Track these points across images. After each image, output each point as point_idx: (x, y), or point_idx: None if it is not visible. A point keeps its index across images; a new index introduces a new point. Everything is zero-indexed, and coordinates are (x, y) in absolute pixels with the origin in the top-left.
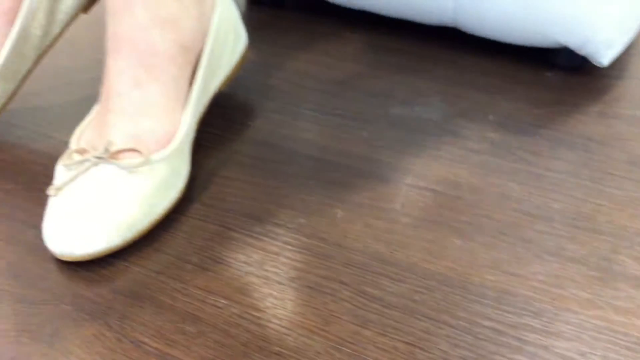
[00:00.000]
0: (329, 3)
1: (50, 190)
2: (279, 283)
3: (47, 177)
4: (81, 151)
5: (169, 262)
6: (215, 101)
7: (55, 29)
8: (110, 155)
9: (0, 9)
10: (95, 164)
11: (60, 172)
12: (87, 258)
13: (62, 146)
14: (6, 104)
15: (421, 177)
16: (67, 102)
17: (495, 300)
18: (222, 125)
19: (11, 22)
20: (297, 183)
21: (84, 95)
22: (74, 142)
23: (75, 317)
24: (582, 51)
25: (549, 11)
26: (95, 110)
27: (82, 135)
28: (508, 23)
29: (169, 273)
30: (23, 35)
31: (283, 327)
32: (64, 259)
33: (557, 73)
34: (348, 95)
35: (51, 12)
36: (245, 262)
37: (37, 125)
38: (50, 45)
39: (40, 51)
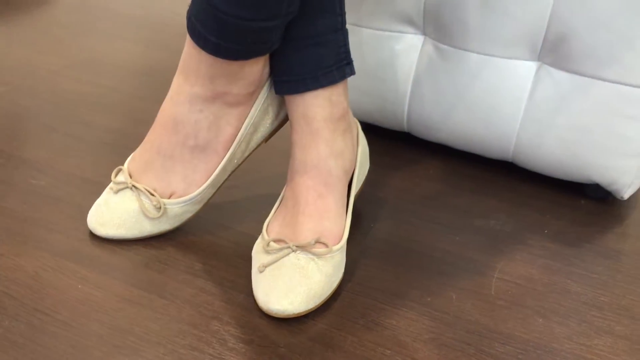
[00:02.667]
0: (410, 134)
1: (260, 267)
2: (424, 341)
3: (237, 258)
4: (277, 241)
5: (342, 322)
6: None
7: (247, 153)
8: (307, 246)
9: (222, 139)
10: (294, 251)
11: (259, 254)
12: (290, 316)
13: (239, 235)
14: (207, 203)
15: (505, 273)
16: (232, 201)
17: None
18: (354, 225)
19: (226, 149)
20: (418, 271)
21: (243, 196)
22: (266, 233)
23: (290, 357)
24: (610, 188)
25: (589, 158)
26: (277, 211)
27: (269, 228)
28: (556, 164)
29: (345, 329)
30: (231, 157)
31: None
32: (276, 316)
33: (589, 201)
34: (439, 208)
35: (248, 142)
36: (396, 325)
37: (216, 218)
38: (240, 165)
39: (235, 168)
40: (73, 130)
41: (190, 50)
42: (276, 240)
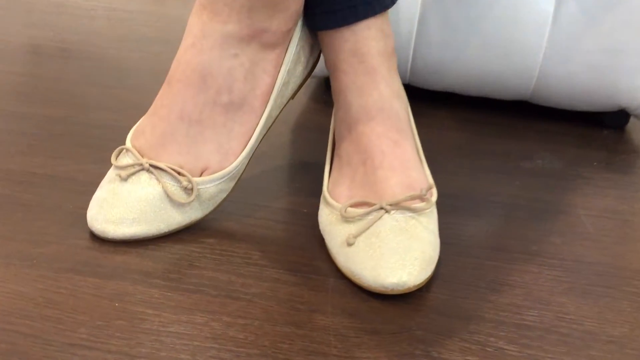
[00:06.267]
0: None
1: (349, 240)
2: (562, 293)
3: (295, 238)
4: (357, 205)
5: (463, 289)
6: None
7: (276, 112)
8: (396, 204)
9: (260, 91)
10: (388, 211)
11: (336, 225)
12: (409, 290)
13: (281, 212)
14: (240, 179)
15: (587, 209)
16: (251, 177)
17: None
18: None
19: (264, 104)
20: (503, 221)
21: (259, 170)
22: (334, 201)
23: (433, 339)
24: (636, 112)
25: (619, 82)
26: (336, 173)
27: (335, 194)
28: (582, 94)
29: (471, 296)
30: (269, 115)
31: None
32: (392, 292)
33: (610, 131)
34: (477, 156)
35: (282, 96)
36: (522, 282)
37: (244, 197)
38: (271, 126)
39: (267, 131)
40: (7, 125)
41: None
42: (355, 205)
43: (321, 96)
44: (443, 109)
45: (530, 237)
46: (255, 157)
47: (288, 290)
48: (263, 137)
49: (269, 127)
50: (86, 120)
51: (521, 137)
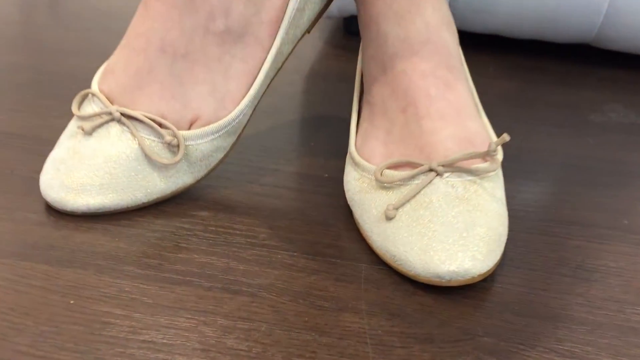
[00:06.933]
0: None
1: (389, 212)
2: None
3: (312, 210)
4: (396, 166)
5: (539, 277)
6: None
7: (291, 47)
8: (450, 164)
9: (267, 17)
10: (439, 174)
11: (369, 194)
12: (472, 280)
13: (293, 177)
14: (241, 134)
15: None
16: (253, 135)
17: None
18: None
19: (272, 34)
20: (582, 189)
21: (266, 126)
22: (365, 161)
23: (504, 347)
24: None
25: None
26: (367, 125)
27: (367, 153)
28: None
29: (552, 288)
30: (279, 49)
31: None
32: (448, 284)
33: None
34: (535, 107)
35: (295, 27)
36: (616, 267)
37: (247, 159)
38: (280, 68)
39: (277, 71)
40: None
41: None
42: (394, 166)
43: (339, 40)
44: (485, 53)
45: (618, 208)
46: (261, 109)
47: (306, 280)
48: (271, 80)
49: (279, 68)
50: (56, 68)
51: (583, 86)
